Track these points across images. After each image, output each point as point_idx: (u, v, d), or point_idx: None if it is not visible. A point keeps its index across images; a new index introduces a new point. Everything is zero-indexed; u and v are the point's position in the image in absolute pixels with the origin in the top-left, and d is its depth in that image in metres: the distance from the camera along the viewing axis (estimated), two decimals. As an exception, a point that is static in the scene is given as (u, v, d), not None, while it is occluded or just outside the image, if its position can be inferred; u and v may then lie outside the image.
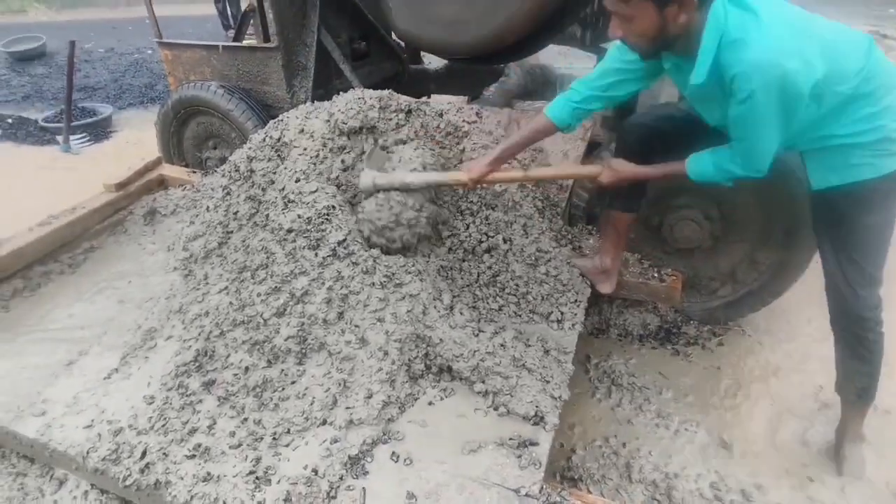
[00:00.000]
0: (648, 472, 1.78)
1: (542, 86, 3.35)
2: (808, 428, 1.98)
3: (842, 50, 1.38)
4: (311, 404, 1.47)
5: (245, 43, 3.12)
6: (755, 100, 1.31)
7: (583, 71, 4.35)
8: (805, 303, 2.47)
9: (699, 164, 1.57)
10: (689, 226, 2.17)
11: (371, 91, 2.15)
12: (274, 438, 1.41)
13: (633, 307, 2.42)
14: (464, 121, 2.18)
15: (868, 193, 1.49)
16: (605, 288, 2.01)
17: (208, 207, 2.24)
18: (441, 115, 2.18)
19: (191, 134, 3.19)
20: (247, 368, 1.55)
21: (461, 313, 1.75)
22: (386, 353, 1.56)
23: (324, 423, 1.45)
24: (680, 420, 1.98)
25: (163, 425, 1.46)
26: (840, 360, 1.77)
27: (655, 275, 2.12)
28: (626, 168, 1.71)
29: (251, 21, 2.93)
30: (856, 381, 1.75)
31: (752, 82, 1.29)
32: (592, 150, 2.34)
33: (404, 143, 2.01)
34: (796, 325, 2.43)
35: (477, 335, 1.67)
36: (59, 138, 4.85)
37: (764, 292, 2.21)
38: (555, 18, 2.53)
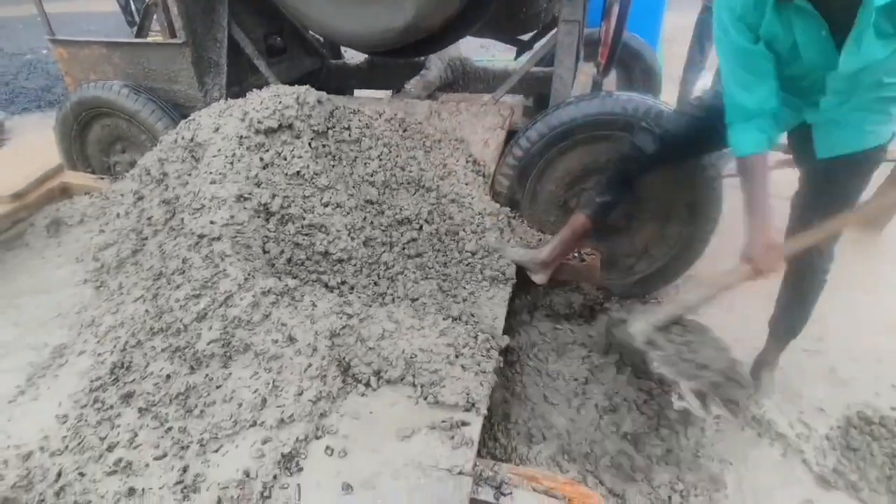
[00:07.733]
0: (575, 444, 1.88)
1: (463, 77, 3.40)
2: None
3: None
4: (240, 407, 1.44)
5: (150, 39, 2.95)
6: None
7: (503, 63, 4.46)
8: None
9: None
10: (604, 207, 2.29)
11: (287, 87, 2.11)
12: (201, 445, 1.37)
13: (559, 287, 2.52)
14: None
15: (865, 162, 1.58)
16: (540, 279, 2.09)
17: (119, 214, 2.13)
18: (355, 113, 2.18)
19: (95, 138, 2.98)
20: (168, 376, 1.49)
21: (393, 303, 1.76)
22: (315, 350, 1.55)
23: (254, 424, 1.42)
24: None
25: (78, 444, 1.38)
26: (783, 303, 1.94)
27: (576, 255, 2.23)
28: (779, 245, 1.60)
29: (154, 16, 2.77)
30: (790, 319, 1.95)
31: None
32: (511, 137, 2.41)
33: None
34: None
35: (408, 327, 1.69)
36: (-57, 148, 4.41)
37: (675, 265, 2.38)
38: (470, 11, 2.58)
